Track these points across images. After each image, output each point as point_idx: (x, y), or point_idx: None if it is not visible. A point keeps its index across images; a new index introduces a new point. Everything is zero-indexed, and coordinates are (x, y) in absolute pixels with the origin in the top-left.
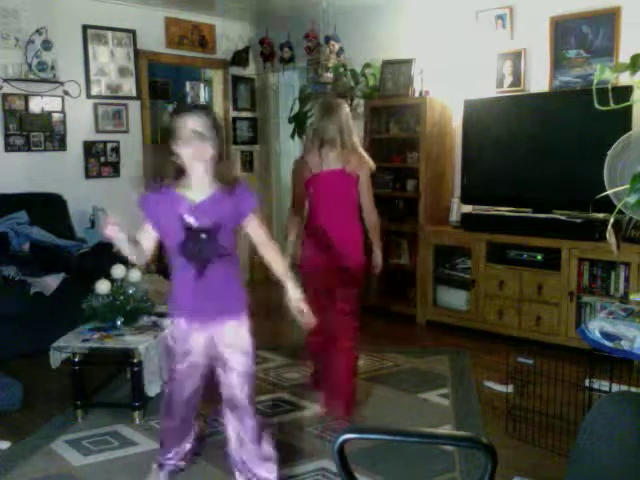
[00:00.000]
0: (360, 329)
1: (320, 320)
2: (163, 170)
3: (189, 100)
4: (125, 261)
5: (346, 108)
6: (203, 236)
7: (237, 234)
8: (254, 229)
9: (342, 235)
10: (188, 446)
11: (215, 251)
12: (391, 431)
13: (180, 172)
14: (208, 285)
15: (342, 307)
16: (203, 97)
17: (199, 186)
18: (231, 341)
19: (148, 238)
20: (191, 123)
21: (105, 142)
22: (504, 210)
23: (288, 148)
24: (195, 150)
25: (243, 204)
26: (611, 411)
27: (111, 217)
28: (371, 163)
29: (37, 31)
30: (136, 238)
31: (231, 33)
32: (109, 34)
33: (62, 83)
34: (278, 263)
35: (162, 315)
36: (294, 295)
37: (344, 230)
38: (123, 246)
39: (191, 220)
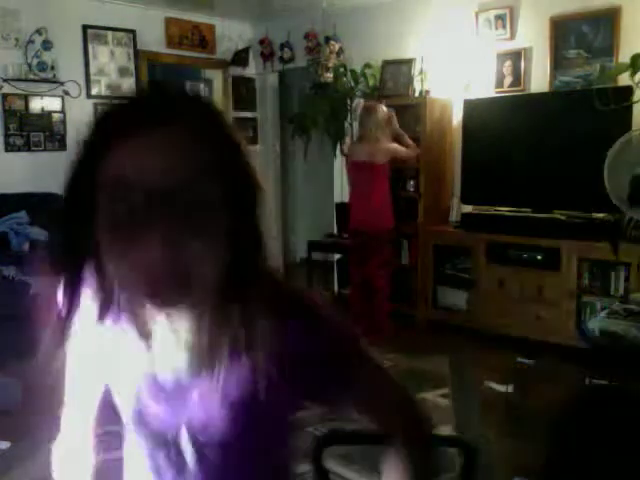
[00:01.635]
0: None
1: (358, 270)
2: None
3: None
4: None
5: (382, 109)
6: (183, 456)
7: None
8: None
9: (374, 207)
10: None
11: None
12: (370, 437)
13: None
14: None
15: (376, 259)
16: None
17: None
18: None
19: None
20: (145, 162)
21: None
22: (504, 210)
23: (288, 148)
24: (149, 248)
25: (326, 376)
26: (589, 407)
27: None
28: (402, 152)
29: (37, 31)
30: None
31: (231, 33)
32: (109, 34)
33: (62, 83)
34: None
35: None
36: None
37: (376, 204)
38: None
39: (157, 414)
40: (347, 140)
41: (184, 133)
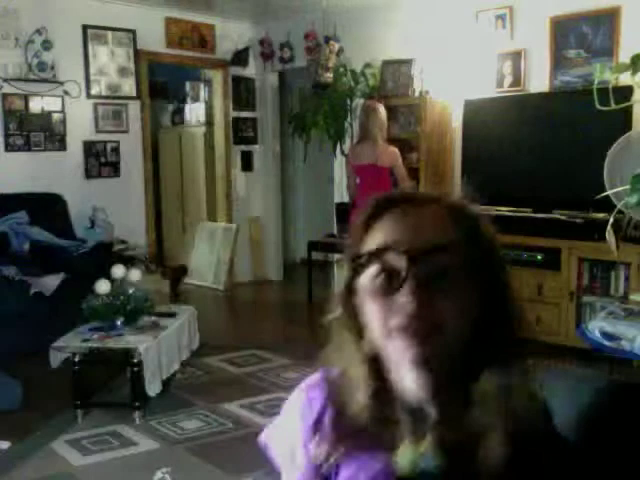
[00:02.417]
0: None
1: None
2: None
3: (189, 101)
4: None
5: (382, 109)
6: None
7: None
8: None
9: None
10: None
11: None
12: None
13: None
14: None
15: None
16: (203, 97)
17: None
18: None
19: None
20: (401, 232)
21: (105, 142)
22: (504, 210)
23: (288, 148)
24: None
25: None
26: None
27: None
28: (401, 171)
29: (37, 31)
30: None
31: (231, 33)
32: (109, 34)
33: (62, 83)
34: None
35: (162, 315)
36: None
37: None
38: None
39: None
40: (348, 143)
41: (433, 213)
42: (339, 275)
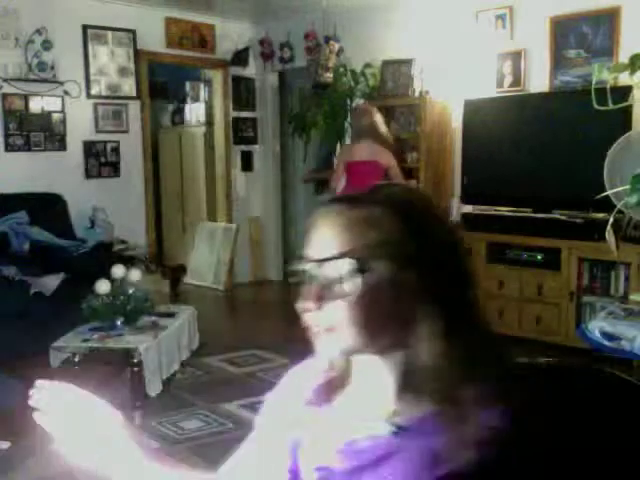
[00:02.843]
0: None
1: None
2: None
3: (189, 101)
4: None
5: (375, 110)
6: None
7: None
8: None
9: None
10: None
11: None
12: None
13: None
14: None
15: None
16: (203, 97)
17: (364, 399)
18: None
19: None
20: (314, 240)
21: (105, 142)
22: (504, 210)
23: (288, 148)
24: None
25: None
26: None
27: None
28: (396, 171)
29: (37, 31)
30: None
31: (231, 33)
32: (109, 34)
33: (62, 83)
34: None
35: (162, 315)
36: None
37: None
38: None
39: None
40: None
41: (357, 219)
42: None
